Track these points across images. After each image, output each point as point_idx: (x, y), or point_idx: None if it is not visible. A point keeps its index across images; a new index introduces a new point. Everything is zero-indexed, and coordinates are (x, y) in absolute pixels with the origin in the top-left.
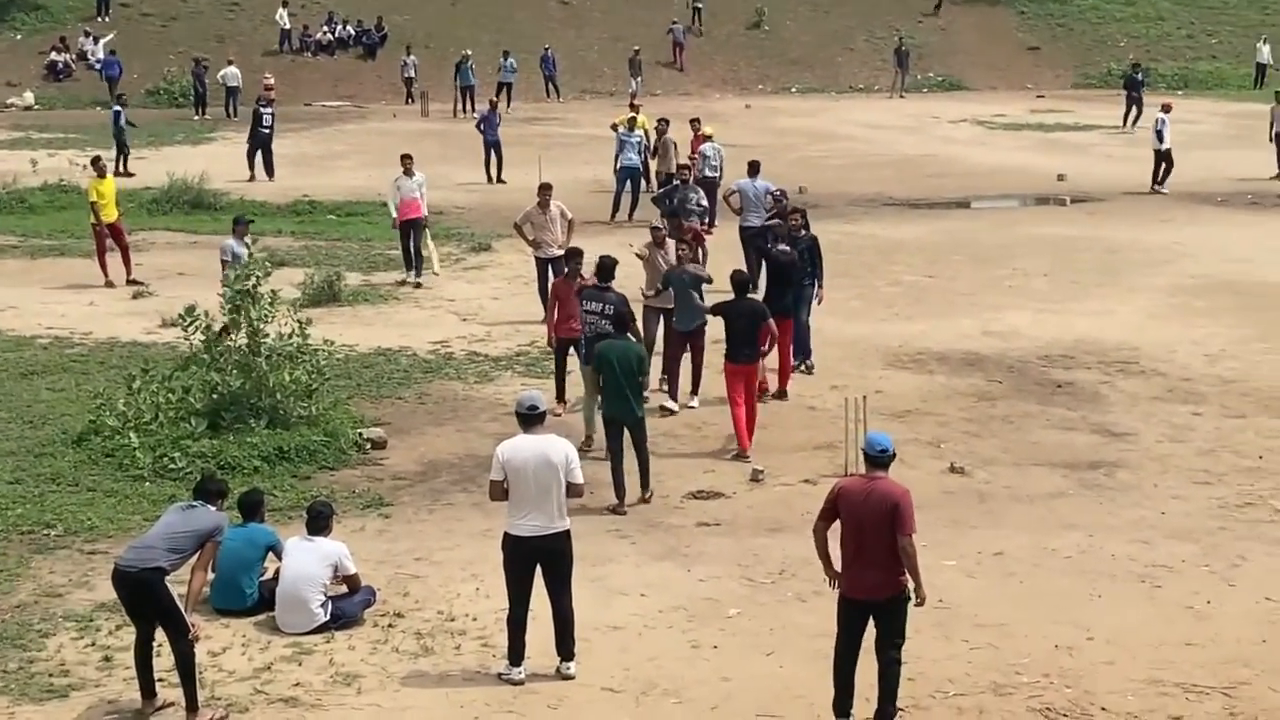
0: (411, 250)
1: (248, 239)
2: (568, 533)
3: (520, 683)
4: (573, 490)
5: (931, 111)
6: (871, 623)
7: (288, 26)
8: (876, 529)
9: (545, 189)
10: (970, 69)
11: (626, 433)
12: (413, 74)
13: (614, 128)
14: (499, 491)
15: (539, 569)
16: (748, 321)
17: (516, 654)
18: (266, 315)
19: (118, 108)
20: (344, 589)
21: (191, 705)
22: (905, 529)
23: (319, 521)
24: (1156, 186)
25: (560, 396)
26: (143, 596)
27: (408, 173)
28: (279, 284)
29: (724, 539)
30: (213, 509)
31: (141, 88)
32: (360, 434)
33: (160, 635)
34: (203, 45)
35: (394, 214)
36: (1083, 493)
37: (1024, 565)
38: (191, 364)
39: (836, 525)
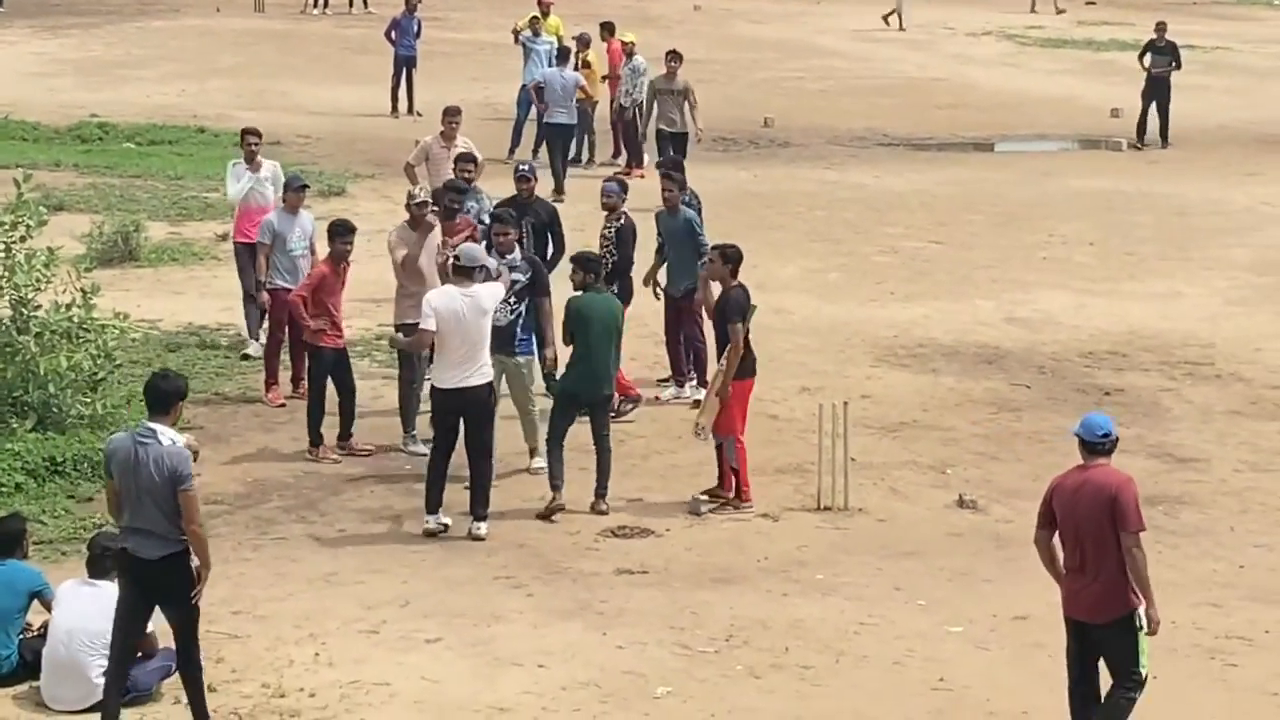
0: (252, 300)
1: (266, 198)
2: (490, 381)
3: (438, 531)
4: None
5: (944, 20)
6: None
7: None
8: (1094, 530)
9: (452, 114)
10: None
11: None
12: None
13: (515, 34)
14: (428, 341)
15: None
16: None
17: (433, 502)
18: (37, 280)
19: None
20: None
21: None
22: (1128, 525)
23: (104, 560)
24: None
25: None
26: None
27: (252, 159)
28: (55, 237)
29: (652, 592)
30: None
31: None
32: None
33: None
34: None
35: (234, 211)
36: None
37: (1054, 634)
38: None
39: None
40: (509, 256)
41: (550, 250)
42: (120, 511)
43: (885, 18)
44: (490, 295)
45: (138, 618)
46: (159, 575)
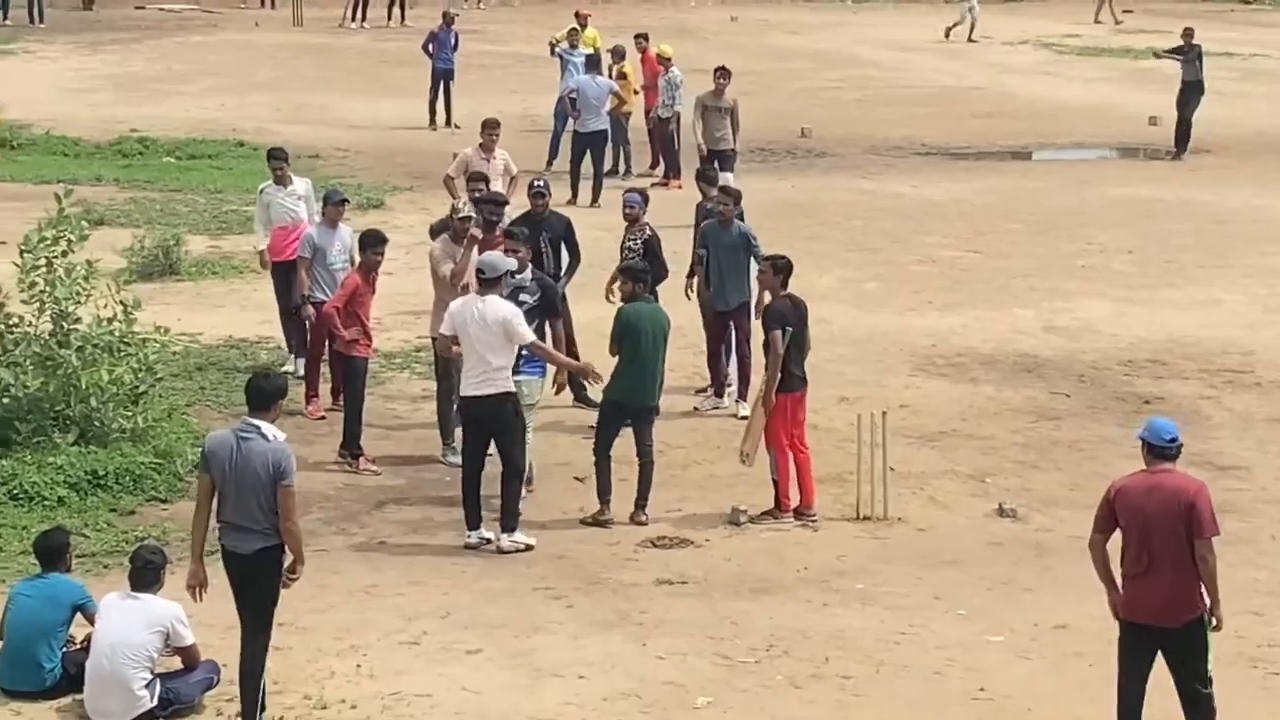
0: (290, 319)
1: (311, 214)
2: (510, 394)
3: (479, 545)
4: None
5: (981, 29)
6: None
7: None
8: (1166, 534)
9: (491, 127)
10: None
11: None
12: None
13: (552, 46)
14: (444, 346)
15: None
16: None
17: (472, 519)
18: (78, 294)
19: None
20: (178, 664)
21: None
22: (1204, 530)
23: (147, 573)
24: None
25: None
26: None
27: (281, 179)
28: (97, 251)
29: (692, 602)
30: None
31: None
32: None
33: None
34: None
35: (262, 243)
36: None
37: (1095, 643)
38: None
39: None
40: (519, 276)
41: (567, 261)
42: (218, 507)
43: (948, 31)
44: (500, 308)
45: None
46: (251, 568)
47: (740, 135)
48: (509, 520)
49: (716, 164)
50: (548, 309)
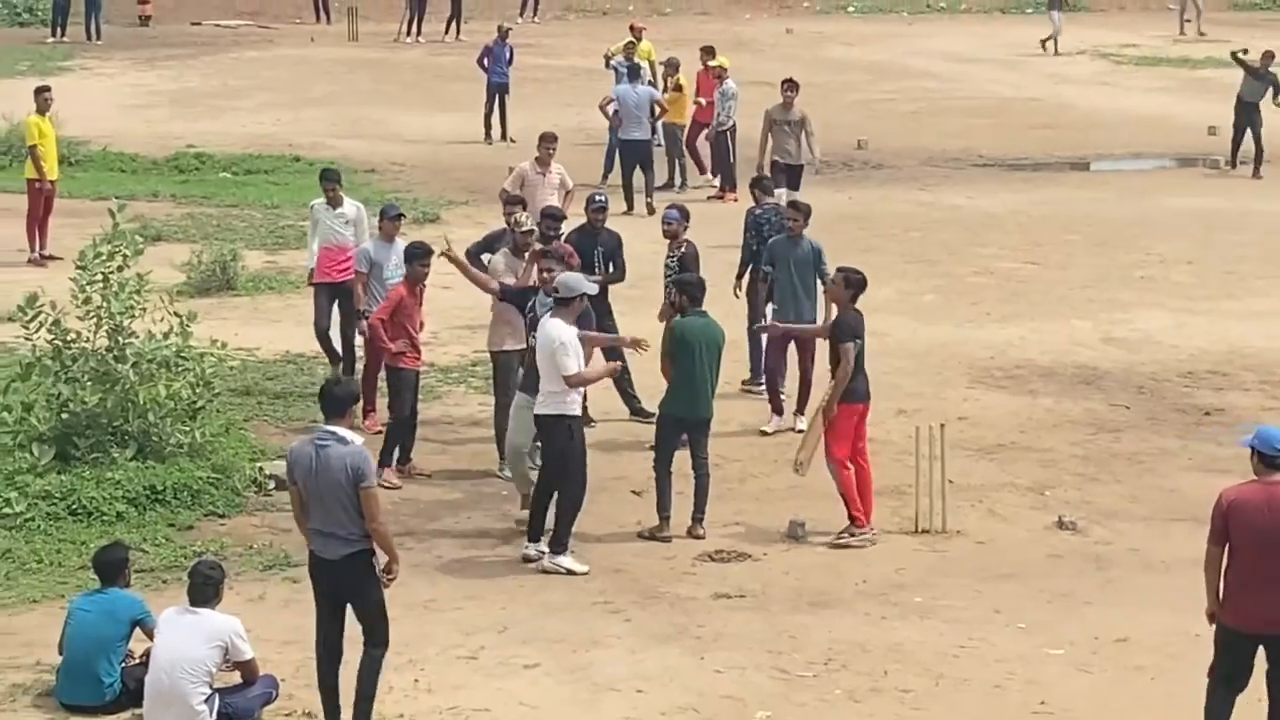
0: (335, 336)
1: (360, 239)
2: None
3: (537, 559)
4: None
5: (1038, 39)
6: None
7: None
8: None
9: (549, 141)
10: None
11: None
12: None
13: (607, 59)
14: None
15: None
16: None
17: (533, 530)
18: (134, 308)
19: None
20: (236, 678)
21: None
22: None
23: (206, 588)
24: None
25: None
26: None
27: (333, 200)
28: (153, 265)
29: (750, 616)
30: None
31: None
32: (261, 469)
33: None
34: None
35: (311, 262)
36: None
37: (1157, 656)
38: (34, 373)
39: None
40: (550, 298)
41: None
42: (306, 516)
43: (1044, 42)
44: (555, 333)
45: (335, 619)
46: (344, 575)
47: (816, 145)
48: (555, 544)
49: (785, 180)
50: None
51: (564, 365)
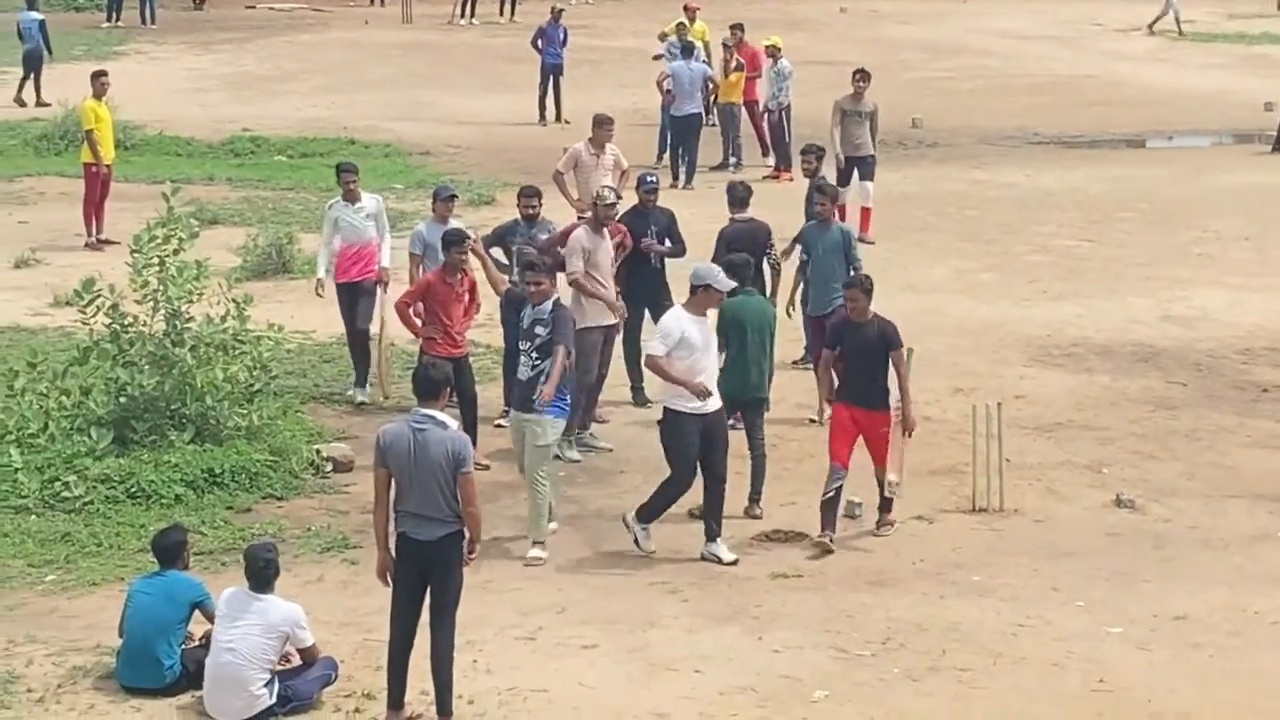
0: (358, 345)
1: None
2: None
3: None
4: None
5: (1093, 16)
6: None
7: None
8: None
9: (604, 124)
10: None
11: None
12: None
13: (662, 38)
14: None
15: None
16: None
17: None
18: (191, 292)
19: (36, 15)
20: (296, 660)
21: None
22: None
23: (267, 571)
24: None
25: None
26: None
27: (350, 195)
28: (210, 249)
29: (807, 595)
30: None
31: None
32: (318, 451)
33: None
34: None
35: (322, 270)
36: None
37: (1216, 634)
38: (92, 357)
39: None
40: (539, 308)
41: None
42: (397, 498)
43: (1151, 25)
44: (667, 315)
45: (416, 599)
46: (437, 555)
47: (877, 137)
48: (642, 512)
49: (856, 170)
50: (559, 341)
51: (651, 344)
